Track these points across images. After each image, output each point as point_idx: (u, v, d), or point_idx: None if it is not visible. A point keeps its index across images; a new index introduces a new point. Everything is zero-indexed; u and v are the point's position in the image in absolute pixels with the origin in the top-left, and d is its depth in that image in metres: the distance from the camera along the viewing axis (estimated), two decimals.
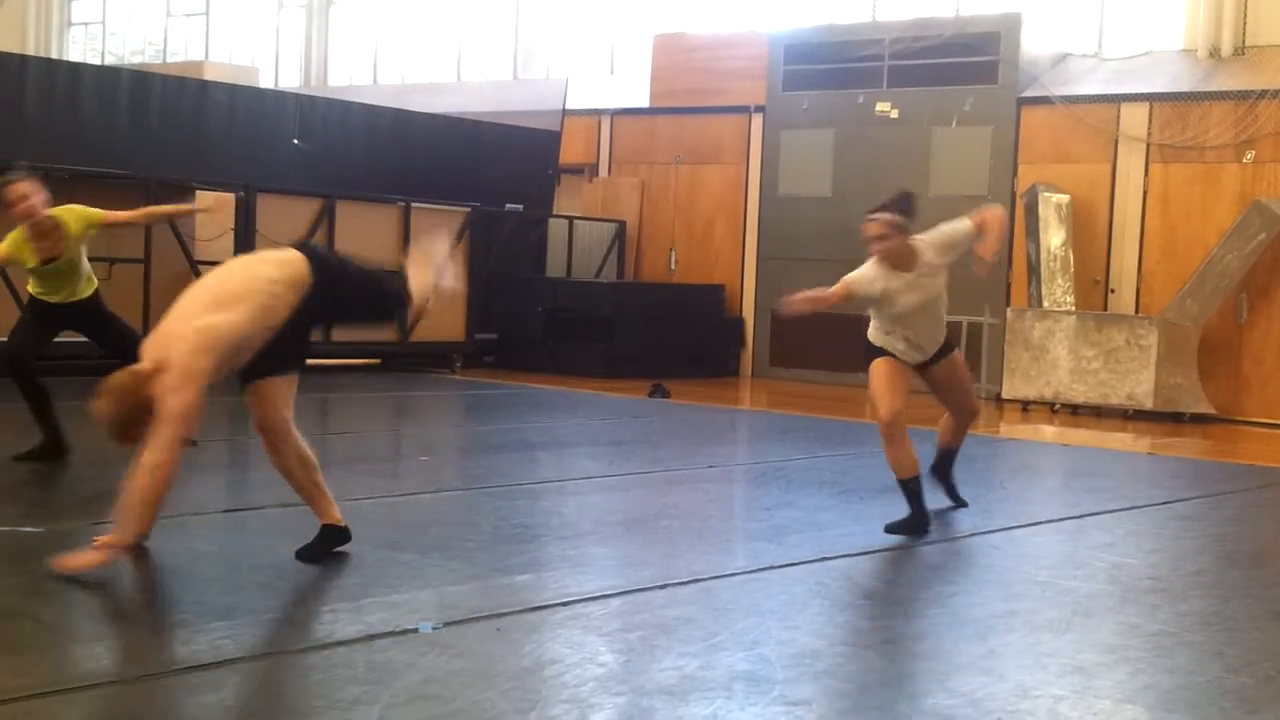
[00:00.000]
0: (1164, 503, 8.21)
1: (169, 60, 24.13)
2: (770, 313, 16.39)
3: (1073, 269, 14.45)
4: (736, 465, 9.54)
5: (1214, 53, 14.61)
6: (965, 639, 4.74)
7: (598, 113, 18.55)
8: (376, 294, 5.74)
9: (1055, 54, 15.49)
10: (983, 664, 4.42)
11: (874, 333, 6.80)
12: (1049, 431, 12.34)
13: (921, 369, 6.87)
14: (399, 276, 5.66)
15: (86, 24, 27.18)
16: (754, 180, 17.07)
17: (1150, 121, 14.40)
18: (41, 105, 13.60)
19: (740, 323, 17.03)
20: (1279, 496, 9.03)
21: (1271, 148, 13.73)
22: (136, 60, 24.86)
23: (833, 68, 16.14)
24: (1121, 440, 11.83)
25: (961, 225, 6.82)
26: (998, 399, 14.37)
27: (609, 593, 5.12)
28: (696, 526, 6.63)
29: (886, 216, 6.69)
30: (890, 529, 6.46)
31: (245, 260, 5.59)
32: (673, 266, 17.73)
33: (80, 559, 4.85)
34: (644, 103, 18.17)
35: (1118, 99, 14.63)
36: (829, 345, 15.13)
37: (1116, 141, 14.58)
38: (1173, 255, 14.24)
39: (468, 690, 3.86)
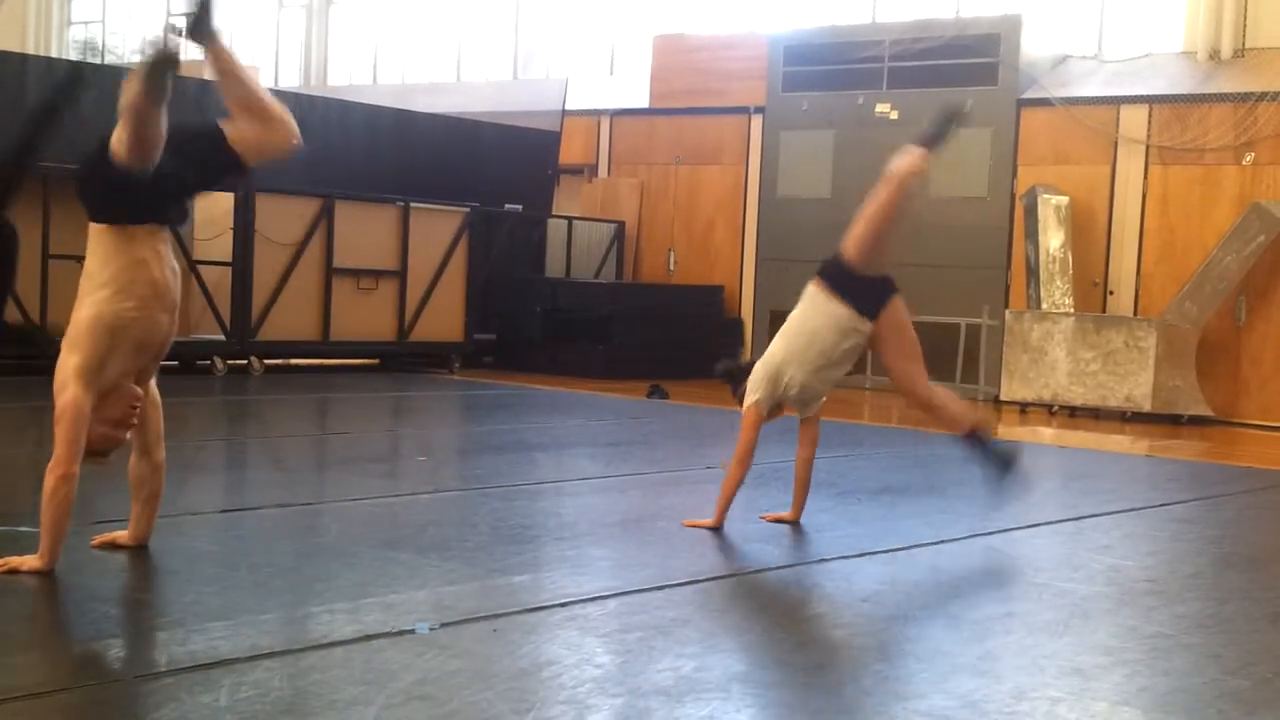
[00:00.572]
0: (1162, 505, 8.21)
1: None
2: (770, 313, 16.38)
3: (1072, 271, 14.45)
4: None
5: (1214, 55, 14.61)
6: (962, 641, 4.74)
7: (597, 113, 18.55)
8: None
9: (1055, 56, 15.50)
10: (980, 666, 4.42)
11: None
12: (1047, 433, 12.34)
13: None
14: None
15: (86, 23, 27.18)
16: (753, 181, 17.07)
17: (1150, 123, 14.41)
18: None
19: (739, 324, 17.03)
20: (1277, 499, 9.04)
21: (1271, 150, 13.74)
22: (136, 59, 24.84)
23: (833, 69, 16.14)
24: (1119, 442, 11.84)
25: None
26: (996, 401, 14.37)
27: (606, 594, 5.11)
28: (694, 528, 6.62)
29: None
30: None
31: None
32: (672, 267, 17.73)
33: (7, 563, 4.88)
34: (643, 103, 18.18)
35: (1117, 101, 14.63)
36: None
37: (1116, 143, 14.59)
38: (1172, 257, 14.24)
39: (464, 691, 3.86)
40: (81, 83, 7.15)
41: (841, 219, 16.60)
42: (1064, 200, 14.55)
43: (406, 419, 11.89)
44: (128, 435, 5.03)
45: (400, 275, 14.48)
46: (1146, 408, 13.30)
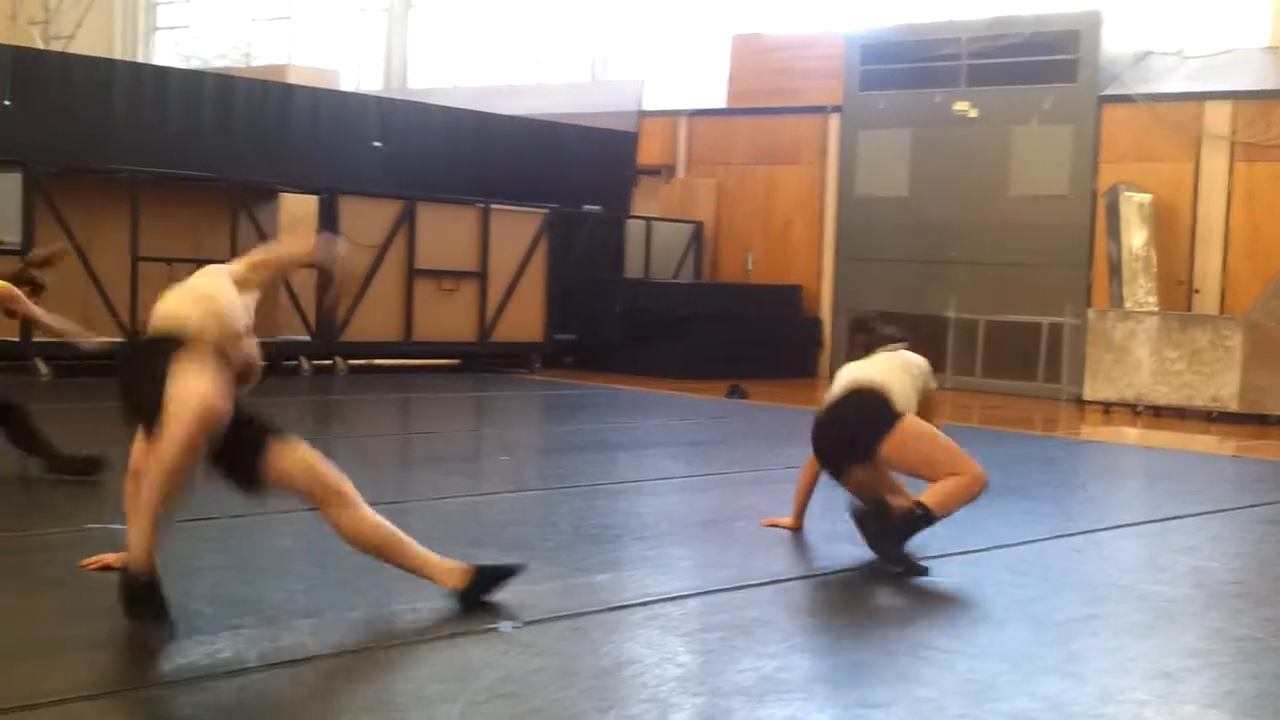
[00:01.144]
0: (1249, 506, 8.10)
1: (253, 64, 24.45)
2: (848, 312, 16.32)
3: (1155, 269, 14.28)
4: None
5: None
6: (1046, 642, 4.72)
7: (675, 114, 18.57)
8: None
9: (1136, 52, 15.31)
10: (1065, 668, 4.40)
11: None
12: (1131, 434, 12.21)
13: None
14: None
15: (172, 28, 27.59)
16: (831, 180, 17.02)
17: (1234, 119, 14.21)
18: (129, 109, 13.86)
19: (818, 323, 16.99)
20: None
21: None
22: (221, 64, 25.20)
23: (910, 67, 16.05)
24: (1205, 443, 11.68)
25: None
26: (1079, 400, 14.24)
27: (687, 593, 5.14)
28: (774, 528, 6.62)
29: None
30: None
31: None
32: (749, 267, 17.72)
33: (102, 559, 4.98)
34: (721, 103, 18.18)
35: (1201, 97, 14.44)
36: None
37: (1199, 140, 14.40)
38: (1257, 254, 14.04)
39: (547, 689, 3.90)
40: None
41: (921, 218, 16.72)
42: (1147, 198, 14.37)
43: (488, 419, 11.98)
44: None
45: (481, 276, 14.59)
46: (1233, 407, 13.11)
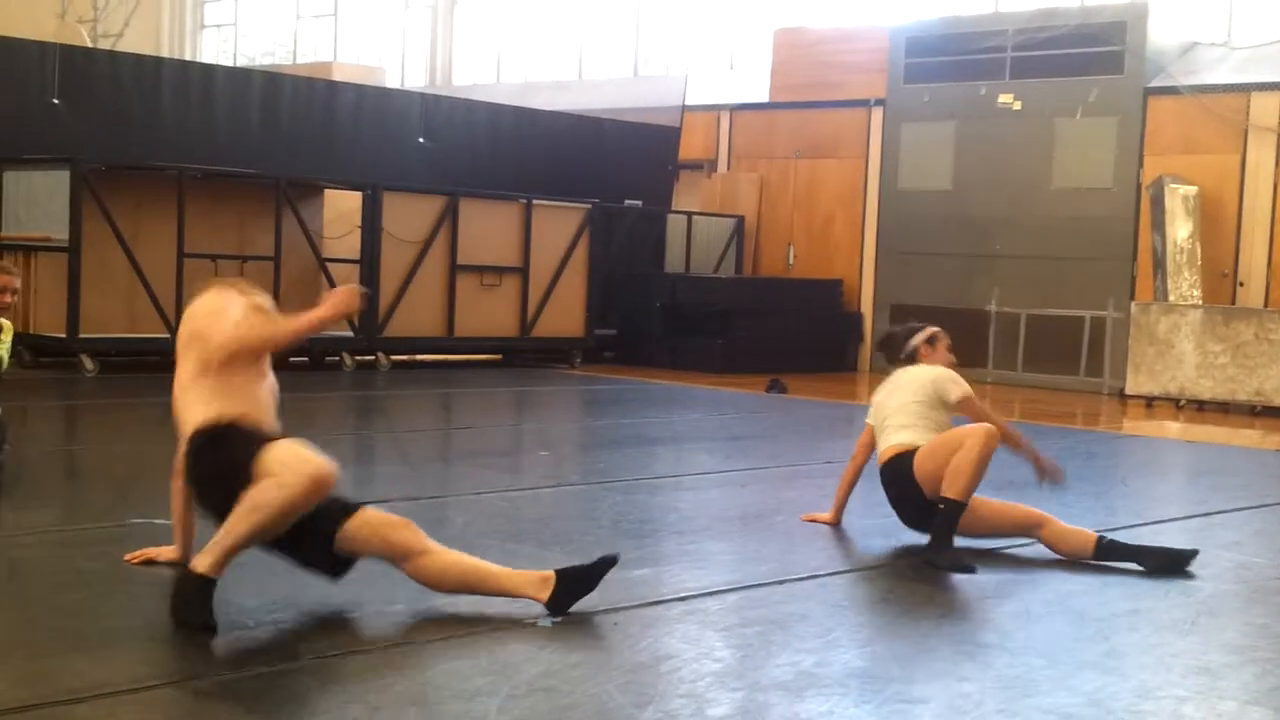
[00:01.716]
0: None
1: (298, 61, 24.61)
2: (890, 307, 16.28)
3: (1200, 262, 14.18)
4: None
5: None
6: (1086, 638, 4.70)
7: (717, 108, 18.57)
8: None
9: (1183, 43, 15.19)
10: (1104, 663, 4.39)
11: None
12: (1174, 428, 12.12)
13: None
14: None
15: (219, 26, 27.80)
16: (873, 174, 16.97)
17: None
18: (176, 106, 13.99)
19: (859, 318, 16.95)
20: None
21: None
22: (267, 62, 25.38)
23: (954, 60, 15.99)
24: (1249, 437, 11.59)
25: None
26: (1121, 394, 14.15)
27: (726, 588, 5.15)
28: (813, 523, 6.63)
29: None
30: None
31: None
32: (791, 261, 17.70)
33: (145, 554, 5.05)
34: (763, 97, 18.16)
35: (1248, 88, 14.32)
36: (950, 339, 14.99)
37: (1246, 132, 14.27)
38: None
39: (586, 683, 3.92)
40: None
41: (963, 211, 16.61)
42: (1192, 190, 14.26)
43: (529, 413, 12.02)
44: None
45: (522, 271, 14.64)
46: (1277, 401, 13.00)
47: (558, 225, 14.92)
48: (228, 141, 14.04)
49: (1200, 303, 13.86)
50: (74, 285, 11.85)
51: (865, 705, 3.87)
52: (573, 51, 22.04)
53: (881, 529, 6.48)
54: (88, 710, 3.55)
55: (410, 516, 5.99)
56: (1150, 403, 13.78)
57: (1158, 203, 14.16)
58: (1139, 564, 5.81)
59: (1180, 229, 14.11)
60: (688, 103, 18.13)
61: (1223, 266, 14.38)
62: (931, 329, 6.58)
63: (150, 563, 5.00)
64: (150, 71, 14.08)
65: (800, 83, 17.65)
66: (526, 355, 15.21)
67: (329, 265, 13.41)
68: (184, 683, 3.83)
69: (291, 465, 4.36)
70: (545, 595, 4.56)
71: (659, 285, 16.29)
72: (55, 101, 13.35)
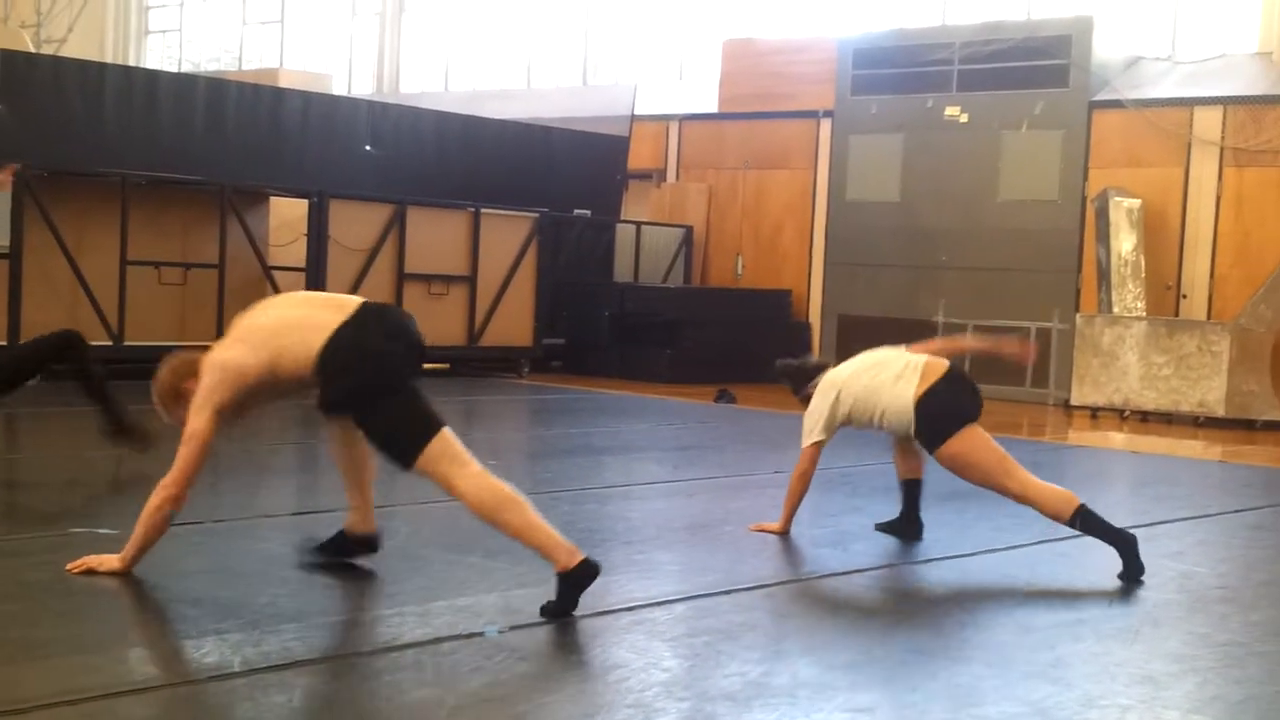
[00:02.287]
0: (1235, 511, 8.12)
1: (244, 68, 24.45)
2: (837, 317, 16.35)
3: (1144, 274, 14.31)
4: None
5: None
6: (1032, 647, 4.72)
7: (666, 118, 18.59)
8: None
9: (1127, 57, 15.35)
10: (1050, 673, 4.41)
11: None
12: (1118, 438, 12.22)
13: None
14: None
15: (164, 32, 27.59)
16: (822, 185, 17.04)
17: (1224, 125, 14.24)
18: (120, 112, 13.84)
19: (807, 328, 17.01)
20: None
21: None
22: (212, 68, 25.21)
23: (902, 72, 16.08)
24: (1192, 448, 11.71)
25: None
26: (1066, 405, 14.26)
27: (674, 598, 5.14)
28: (761, 533, 6.63)
29: None
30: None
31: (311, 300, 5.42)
32: (740, 272, 17.73)
33: (85, 563, 5.00)
34: (712, 108, 18.20)
35: (1191, 102, 14.48)
36: None
37: (1189, 145, 14.43)
38: (1246, 260, 14.07)
39: (532, 694, 3.90)
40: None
41: (911, 223, 16.71)
42: (1136, 203, 14.41)
43: (476, 423, 11.97)
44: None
45: (470, 280, 14.59)
46: (1220, 413, 13.14)
47: (506, 234, 14.88)
48: (172, 148, 13.91)
49: (1144, 315, 13.99)
50: (15, 293, 11.71)
51: (813, 715, 3.87)
52: (521, 60, 22.03)
53: (830, 539, 6.50)
54: None
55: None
56: (1095, 413, 13.90)
57: (1102, 215, 14.29)
58: (1109, 543, 5.91)
59: (1124, 241, 14.24)
60: (636, 112, 18.15)
61: (1166, 279, 14.53)
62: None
63: (90, 572, 4.93)
64: (94, 77, 13.93)
65: (749, 93, 17.70)
66: (474, 364, 15.16)
67: (274, 273, 13.31)
68: (124, 694, 3.77)
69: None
70: (572, 564, 4.71)
71: (608, 295, 16.28)
72: (1, 108, 13.19)
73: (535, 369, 15.33)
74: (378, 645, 4.33)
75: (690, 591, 5.24)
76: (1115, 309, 14.01)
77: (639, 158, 18.37)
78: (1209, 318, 14.08)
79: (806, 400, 6.55)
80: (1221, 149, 14.26)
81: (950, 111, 15.73)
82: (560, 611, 4.66)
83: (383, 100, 19.12)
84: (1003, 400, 14.79)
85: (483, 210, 14.72)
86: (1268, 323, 13.34)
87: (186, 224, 13.11)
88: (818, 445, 6.38)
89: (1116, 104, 14.75)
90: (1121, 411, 13.76)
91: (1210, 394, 13.21)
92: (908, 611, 5.32)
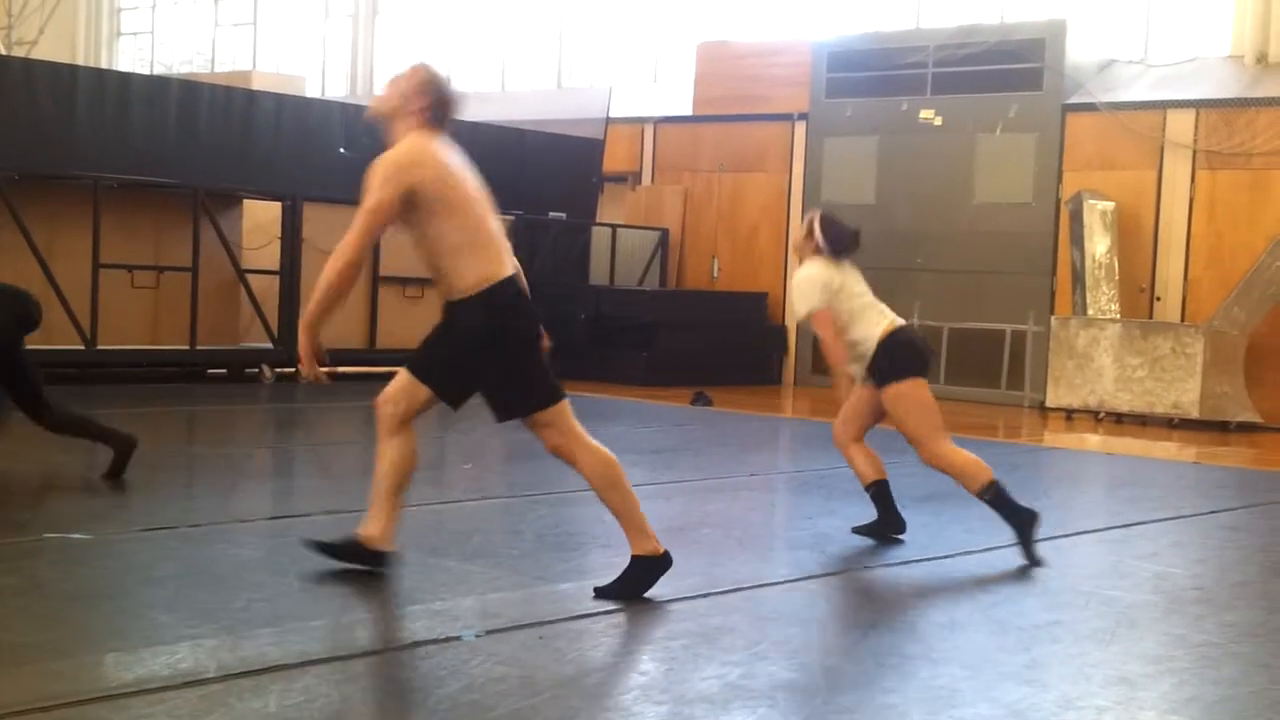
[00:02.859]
0: (1209, 512, 8.15)
1: (217, 70, 24.34)
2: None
3: (1118, 276, 14.37)
4: (779, 473, 9.53)
5: (1261, 58, 14.51)
6: (1008, 649, 4.73)
7: (641, 121, 18.59)
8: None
9: (1101, 60, 15.41)
10: (1026, 674, 4.41)
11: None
12: (1093, 440, 12.27)
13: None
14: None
15: (136, 34, 27.46)
16: (797, 188, 17.06)
17: (1197, 128, 14.31)
18: (92, 115, 13.74)
19: (783, 330, 17.02)
20: None
21: None
22: (185, 70, 25.09)
23: (876, 75, 16.11)
24: (1167, 449, 11.76)
25: None
26: (1042, 407, 14.31)
27: (651, 601, 5.13)
28: (738, 535, 6.63)
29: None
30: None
31: None
32: (715, 274, 17.74)
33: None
34: (687, 110, 18.20)
35: (1164, 105, 14.54)
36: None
37: (1162, 148, 14.50)
38: (1219, 262, 14.13)
39: (510, 698, 3.88)
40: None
41: (886, 226, 16.71)
42: (1110, 205, 14.46)
43: (452, 426, 11.93)
44: None
45: None
46: (1194, 414, 13.20)
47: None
48: (144, 150, 13.82)
49: (1118, 317, 14.04)
50: None
51: (791, 717, 3.87)
52: (496, 63, 21.99)
53: (807, 541, 6.50)
54: None
55: (332, 530, 5.93)
56: (1070, 415, 13.95)
57: (1076, 218, 14.34)
58: (1009, 524, 6.19)
59: (1099, 244, 14.30)
60: (611, 115, 18.12)
61: (1140, 281, 14.59)
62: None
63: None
64: (66, 79, 13.84)
65: (724, 96, 17.71)
66: None
67: (248, 276, 13.25)
68: (98, 700, 3.74)
69: None
70: (644, 550, 5.11)
71: (583, 297, 16.26)
72: None
73: None
74: (354, 650, 4.30)
75: (668, 594, 5.23)
76: (1090, 311, 14.06)
77: (614, 160, 18.35)
78: (1182, 320, 14.14)
79: (816, 252, 7.00)
80: (1194, 152, 14.32)
81: (925, 114, 15.77)
82: (617, 594, 4.84)
83: (356, 102, 19.06)
84: (978, 402, 14.83)
85: None
86: (1241, 325, 13.41)
87: (159, 227, 13.04)
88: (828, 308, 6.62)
89: (1090, 107, 14.80)
90: (1096, 413, 13.80)
91: (1184, 396, 13.27)
92: (885, 614, 5.33)
